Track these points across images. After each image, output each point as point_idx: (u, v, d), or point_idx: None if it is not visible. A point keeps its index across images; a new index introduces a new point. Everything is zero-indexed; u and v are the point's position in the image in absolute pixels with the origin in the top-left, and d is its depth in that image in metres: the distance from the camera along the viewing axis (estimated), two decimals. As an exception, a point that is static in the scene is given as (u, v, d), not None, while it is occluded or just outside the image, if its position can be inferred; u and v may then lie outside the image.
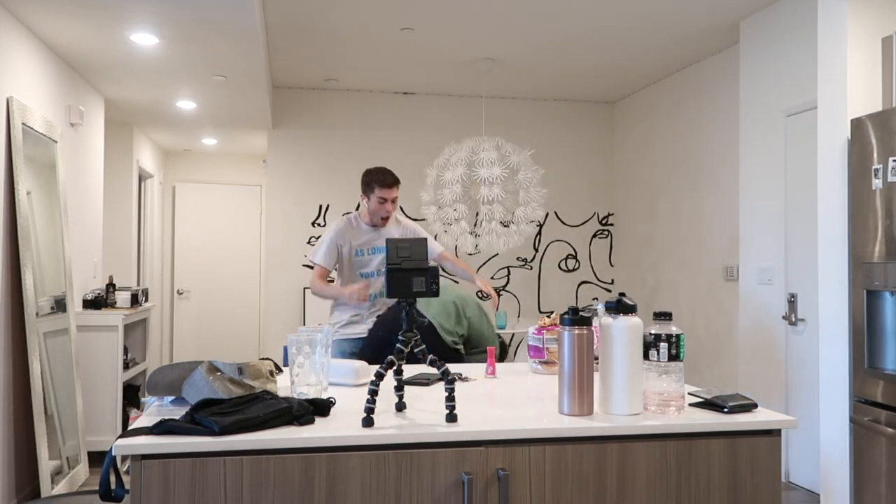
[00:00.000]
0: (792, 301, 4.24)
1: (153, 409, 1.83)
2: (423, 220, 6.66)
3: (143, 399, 4.65)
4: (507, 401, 1.97)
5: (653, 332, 1.77)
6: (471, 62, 5.62)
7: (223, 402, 1.68)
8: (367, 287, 3.48)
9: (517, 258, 6.80)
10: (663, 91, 6.07)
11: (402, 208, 6.54)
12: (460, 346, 3.24)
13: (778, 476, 1.75)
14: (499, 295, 6.78)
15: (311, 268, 6.47)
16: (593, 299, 6.80)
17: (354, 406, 1.86)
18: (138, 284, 7.01)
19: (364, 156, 6.56)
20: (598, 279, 6.95)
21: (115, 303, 4.98)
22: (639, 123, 6.49)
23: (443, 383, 2.12)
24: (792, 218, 4.27)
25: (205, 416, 1.58)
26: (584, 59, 5.55)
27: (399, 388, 1.84)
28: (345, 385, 2.17)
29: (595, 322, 2.23)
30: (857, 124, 3.08)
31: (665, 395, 1.77)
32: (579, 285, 6.92)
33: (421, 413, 1.79)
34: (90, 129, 5.21)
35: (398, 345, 1.72)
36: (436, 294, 1.75)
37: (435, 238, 4.52)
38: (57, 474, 3.92)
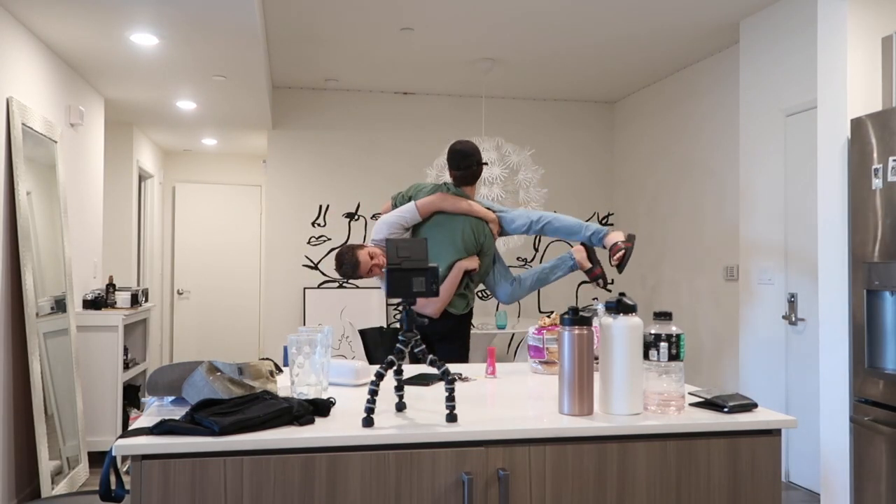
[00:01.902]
0: (792, 301, 4.24)
1: (153, 410, 1.83)
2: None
3: (143, 399, 4.66)
4: (507, 401, 1.97)
5: (653, 331, 1.77)
6: (471, 62, 5.62)
7: (223, 403, 1.68)
8: None
9: (517, 258, 6.80)
10: (663, 91, 6.07)
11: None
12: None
13: (778, 476, 1.75)
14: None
15: (315, 268, 6.48)
16: (593, 299, 6.80)
17: (354, 406, 1.86)
18: (138, 284, 7.01)
19: (364, 156, 6.56)
20: (598, 279, 6.94)
21: (115, 303, 4.99)
22: (639, 123, 6.49)
23: (443, 383, 2.12)
24: (792, 218, 4.27)
25: (205, 417, 1.58)
26: (583, 59, 5.55)
27: (399, 388, 1.84)
28: (345, 385, 2.17)
29: (595, 322, 2.23)
30: (857, 124, 3.08)
31: (665, 394, 1.77)
32: (579, 285, 6.92)
33: (421, 413, 1.79)
34: (90, 129, 5.21)
35: (398, 345, 1.72)
36: (436, 294, 1.75)
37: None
38: (57, 474, 3.92)
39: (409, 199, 3.49)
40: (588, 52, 5.35)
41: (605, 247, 3.37)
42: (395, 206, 3.54)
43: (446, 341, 3.42)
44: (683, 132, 5.75)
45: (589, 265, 3.50)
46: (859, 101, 3.13)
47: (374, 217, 6.54)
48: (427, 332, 3.43)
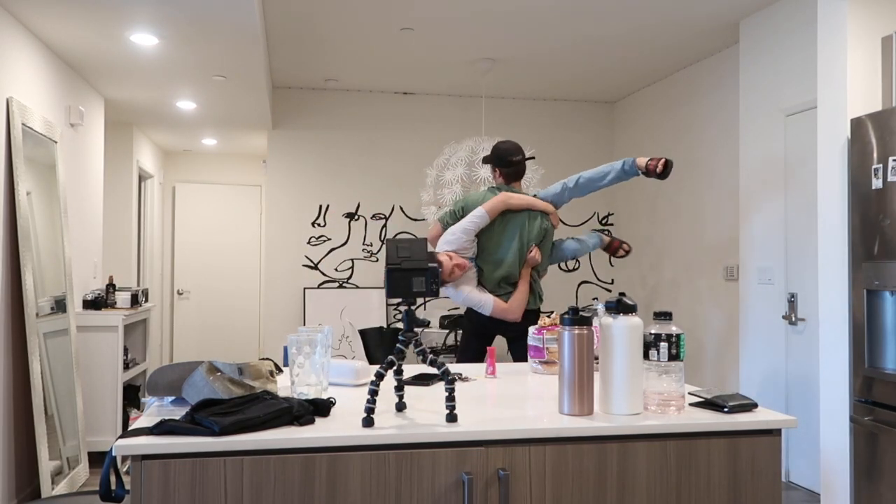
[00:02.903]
0: (792, 301, 4.24)
1: (153, 410, 1.83)
2: (423, 220, 6.65)
3: (143, 399, 4.66)
4: (507, 401, 1.97)
5: (653, 331, 1.77)
6: (471, 62, 5.62)
7: (223, 403, 1.68)
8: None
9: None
10: (663, 91, 6.08)
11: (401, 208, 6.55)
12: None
13: (778, 476, 1.75)
14: None
15: (315, 268, 6.48)
16: (593, 299, 6.80)
17: (354, 406, 1.86)
18: (138, 285, 7.01)
19: (364, 156, 6.56)
20: (598, 279, 6.95)
21: (115, 303, 4.99)
22: (639, 123, 6.49)
23: (443, 383, 2.13)
24: (792, 218, 4.27)
25: (205, 417, 1.58)
26: (583, 59, 5.55)
27: (399, 388, 1.84)
28: (345, 385, 2.18)
29: (595, 322, 2.23)
30: (857, 124, 3.08)
31: (665, 394, 1.77)
32: (579, 285, 6.92)
33: (421, 413, 1.79)
34: (90, 129, 5.21)
35: (398, 345, 1.72)
36: (436, 294, 1.75)
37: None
38: (57, 475, 3.92)
39: (461, 210, 3.67)
40: (588, 52, 5.35)
41: (639, 168, 3.60)
42: (445, 225, 3.69)
43: (523, 339, 3.62)
44: (683, 132, 5.76)
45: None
46: (859, 101, 3.13)
47: (375, 217, 6.54)
48: (509, 334, 3.63)
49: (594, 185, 3.68)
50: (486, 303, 3.56)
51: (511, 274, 3.57)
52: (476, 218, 3.53)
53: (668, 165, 3.54)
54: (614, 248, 4.16)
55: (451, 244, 3.54)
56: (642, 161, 3.58)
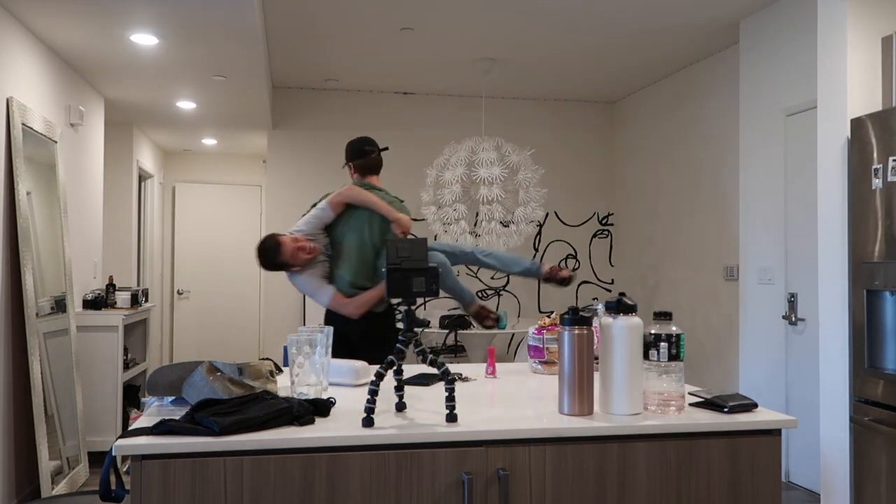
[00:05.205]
0: (792, 301, 4.24)
1: (153, 410, 1.83)
2: (423, 219, 6.65)
3: (143, 399, 4.66)
4: (507, 401, 1.97)
5: (653, 331, 1.77)
6: (471, 62, 5.62)
7: (223, 403, 1.68)
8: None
9: (517, 258, 6.79)
10: (663, 91, 6.07)
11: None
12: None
13: (778, 476, 1.75)
14: (499, 295, 6.79)
15: None
16: (593, 299, 6.80)
17: (354, 406, 1.86)
18: (138, 284, 7.01)
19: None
20: (598, 279, 6.95)
21: (115, 303, 4.99)
22: (639, 123, 6.49)
23: (443, 383, 2.12)
24: (792, 218, 4.27)
25: (205, 417, 1.58)
26: (584, 59, 5.55)
27: (399, 388, 1.84)
28: (345, 385, 2.18)
29: (595, 322, 2.23)
30: (857, 124, 3.08)
31: (665, 394, 1.77)
32: (579, 285, 6.92)
33: (421, 413, 1.79)
34: (90, 129, 5.21)
35: (398, 345, 1.72)
36: (436, 294, 1.75)
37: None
38: (57, 474, 3.92)
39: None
40: (588, 52, 5.35)
41: (542, 273, 3.40)
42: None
43: (367, 340, 3.26)
44: (683, 132, 5.75)
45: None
46: (859, 101, 3.13)
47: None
48: (348, 332, 3.24)
49: (502, 266, 3.41)
50: (324, 292, 3.20)
51: (355, 278, 3.21)
52: (319, 210, 3.25)
53: (571, 278, 3.37)
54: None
55: (299, 227, 3.27)
56: (546, 267, 3.37)
